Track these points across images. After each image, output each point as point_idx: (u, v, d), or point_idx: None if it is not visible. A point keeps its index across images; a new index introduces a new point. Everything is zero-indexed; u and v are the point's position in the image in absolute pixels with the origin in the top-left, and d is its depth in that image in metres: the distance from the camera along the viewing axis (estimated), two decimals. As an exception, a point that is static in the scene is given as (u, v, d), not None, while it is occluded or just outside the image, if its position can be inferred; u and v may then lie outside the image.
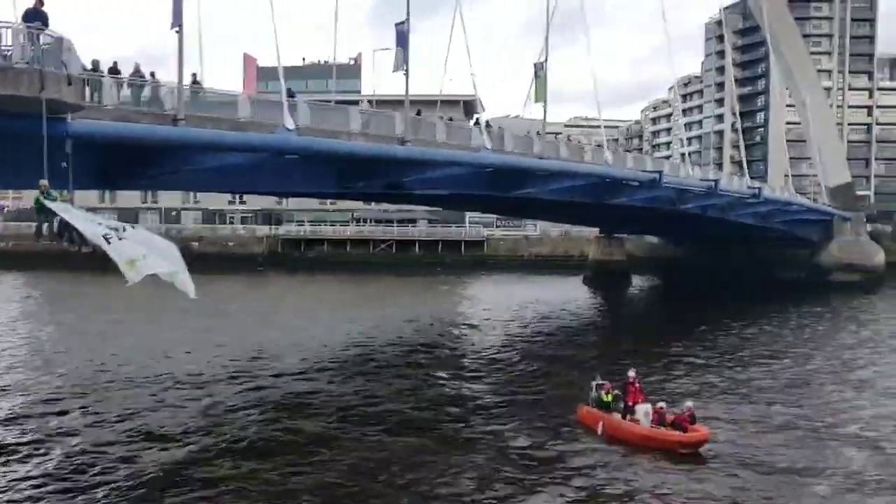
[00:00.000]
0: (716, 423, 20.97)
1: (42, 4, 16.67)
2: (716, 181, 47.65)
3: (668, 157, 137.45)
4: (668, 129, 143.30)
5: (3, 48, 15.64)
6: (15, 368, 29.16)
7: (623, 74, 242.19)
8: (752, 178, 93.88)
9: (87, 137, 17.30)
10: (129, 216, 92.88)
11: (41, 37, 16.09)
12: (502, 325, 43.03)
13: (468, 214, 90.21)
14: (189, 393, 24.67)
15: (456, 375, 28.14)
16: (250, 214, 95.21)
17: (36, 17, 16.30)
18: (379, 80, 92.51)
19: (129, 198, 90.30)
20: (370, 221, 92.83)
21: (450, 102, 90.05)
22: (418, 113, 34.18)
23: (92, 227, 16.51)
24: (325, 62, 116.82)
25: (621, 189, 41.15)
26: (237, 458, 18.11)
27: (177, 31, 22.04)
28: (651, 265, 77.35)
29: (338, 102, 34.32)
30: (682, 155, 68.74)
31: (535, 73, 37.15)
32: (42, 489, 16.16)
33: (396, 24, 30.41)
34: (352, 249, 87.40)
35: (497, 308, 51.68)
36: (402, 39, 30.24)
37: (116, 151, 21.52)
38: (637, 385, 20.86)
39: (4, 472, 17.15)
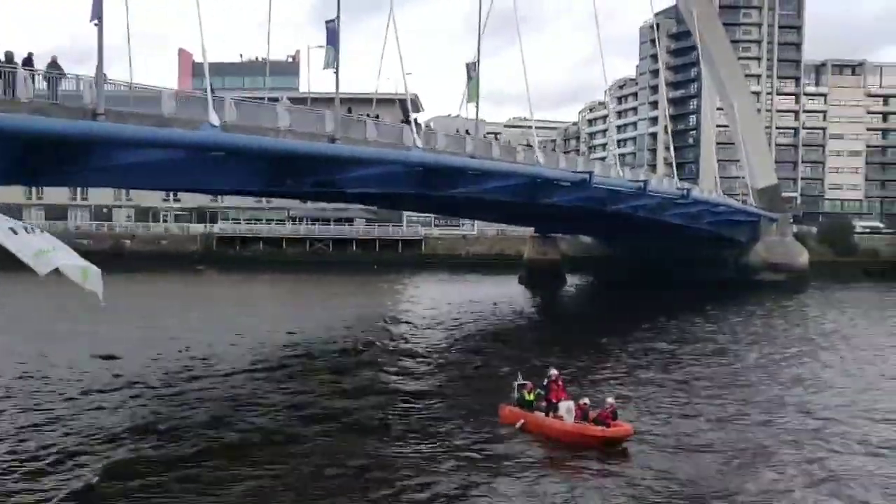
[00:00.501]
0: (640, 419, 21.42)
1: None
2: (645, 182, 48.66)
3: (603, 159, 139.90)
4: (605, 131, 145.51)
5: None
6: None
7: (563, 76, 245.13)
8: (683, 179, 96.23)
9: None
10: (58, 213, 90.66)
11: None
12: (435, 324, 43.18)
13: (406, 214, 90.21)
14: (116, 396, 24.14)
15: (383, 376, 28.10)
16: (185, 212, 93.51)
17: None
18: (317, 78, 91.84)
19: (58, 194, 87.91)
20: (307, 220, 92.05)
21: (387, 101, 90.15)
22: (349, 111, 34.15)
23: None
24: (262, 59, 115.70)
25: (553, 189, 41.69)
26: (166, 462, 17.71)
27: (96, 24, 21.63)
28: (586, 264, 78.44)
29: (273, 100, 33.95)
30: (615, 156, 70.10)
31: (468, 73, 37.38)
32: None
33: (327, 22, 30.33)
34: (288, 248, 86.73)
35: (431, 307, 51.92)
36: (333, 37, 30.17)
37: (36, 146, 21.01)
38: (560, 383, 20.95)
39: None
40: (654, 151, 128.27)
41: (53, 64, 21.71)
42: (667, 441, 19.82)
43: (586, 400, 20.28)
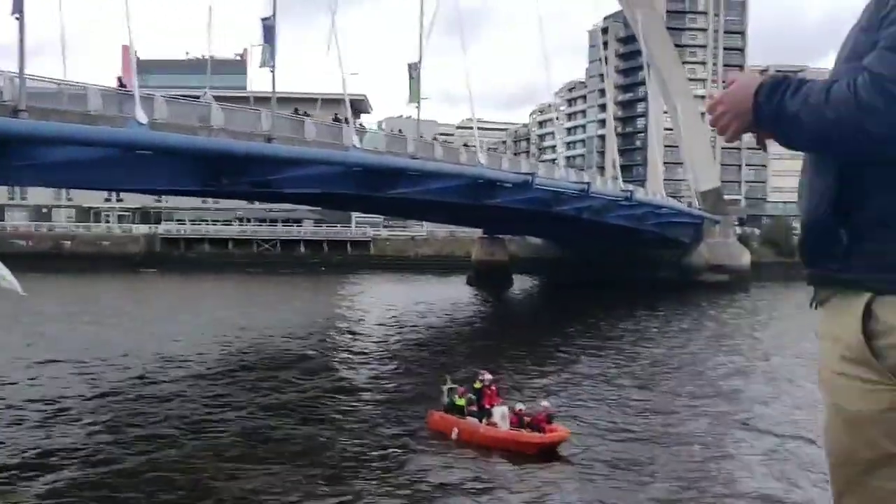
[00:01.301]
0: (576, 422, 21.00)
1: None
2: (588, 184, 49.06)
3: (553, 161, 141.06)
4: (553, 133, 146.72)
5: None
6: None
7: (517, 77, 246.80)
8: (631, 181, 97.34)
9: None
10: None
11: None
12: (376, 326, 42.84)
13: (355, 215, 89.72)
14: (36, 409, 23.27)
15: (313, 380, 27.36)
16: (127, 213, 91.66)
17: None
18: (264, 77, 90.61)
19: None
20: (253, 221, 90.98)
21: (333, 101, 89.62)
22: (296, 111, 33.81)
23: None
24: (210, 57, 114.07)
25: (496, 190, 41.74)
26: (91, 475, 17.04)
27: (17, 18, 21.02)
28: (534, 266, 78.92)
29: (219, 98, 33.29)
30: (565, 158, 70.60)
31: (410, 73, 37.22)
32: None
33: (263, 20, 29.93)
34: (235, 249, 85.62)
35: (375, 309, 51.69)
36: (269, 35, 29.78)
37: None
38: (493, 388, 20.39)
39: None
40: (603, 153, 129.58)
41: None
42: (603, 443, 19.53)
43: (521, 406, 19.79)
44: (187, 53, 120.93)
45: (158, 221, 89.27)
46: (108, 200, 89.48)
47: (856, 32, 1.99)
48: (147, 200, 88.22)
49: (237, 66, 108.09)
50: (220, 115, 27.21)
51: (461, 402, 19.96)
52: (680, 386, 26.77)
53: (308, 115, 33.42)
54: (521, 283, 73.77)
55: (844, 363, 1.96)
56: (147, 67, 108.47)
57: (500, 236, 73.56)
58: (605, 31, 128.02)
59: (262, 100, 61.21)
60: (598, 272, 67.72)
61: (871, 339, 1.91)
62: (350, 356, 32.80)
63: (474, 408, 19.85)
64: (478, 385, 20.39)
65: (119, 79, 50.15)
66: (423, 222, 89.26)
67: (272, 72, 29.65)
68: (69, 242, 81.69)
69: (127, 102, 24.54)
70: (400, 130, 38.86)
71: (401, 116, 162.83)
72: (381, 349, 34.88)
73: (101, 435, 20.17)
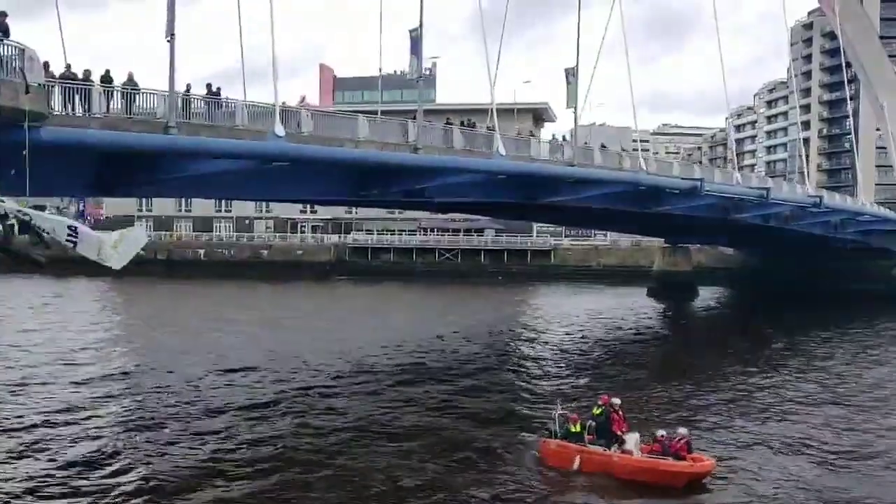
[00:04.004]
0: (722, 452, 19.36)
1: (4, 16, 17.15)
2: (768, 189, 45.54)
3: (752, 167, 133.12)
4: (753, 137, 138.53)
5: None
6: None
7: (717, 80, 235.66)
8: (840, 187, 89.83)
9: (46, 145, 17.62)
10: (207, 224, 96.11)
11: (1, 47, 16.54)
12: (545, 338, 42.36)
13: (536, 224, 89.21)
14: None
15: (457, 390, 27.63)
16: (321, 223, 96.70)
17: (-4, 28, 16.78)
18: (455, 90, 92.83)
19: (204, 207, 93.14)
20: (437, 231, 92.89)
21: (518, 111, 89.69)
22: (448, 121, 33.96)
23: (59, 227, 16.73)
24: (400, 73, 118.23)
25: (663, 197, 39.83)
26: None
27: (168, 41, 22.42)
28: (722, 276, 74.76)
29: (407, 112, 34.28)
30: (766, 164, 66.07)
31: (567, 79, 36.31)
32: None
33: (410, 31, 30.23)
34: (418, 258, 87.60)
35: (550, 320, 51.06)
36: (416, 47, 30.05)
37: (113, 159, 22.04)
38: (621, 412, 18.93)
39: None
40: (807, 157, 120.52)
41: (130, 80, 22.68)
42: (752, 477, 17.81)
43: (663, 432, 18.29)
44: (380, 70, 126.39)
45: (349, 231, 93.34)
46: (303, 212, 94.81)
47: None
48: (338, 212, 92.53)
49: (426, 81, 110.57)
50: (365, 127, 27.73)
51: (577, 429, 18.63)
52: (854, 418, 23.68)
53: (465, 125, 33.22)
54: (708, 295, 69.84)
55: None
56: (341, 85, 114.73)
57: (685, 245, 70.11)
58: (808, 26, 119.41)
59: (449, 111, 63.02)
60: (792, 283, 62.83)
61: None
62: (507, 369, 32.42)
63: (591, 436, 18.46)
64: (597, 411, 18.91)
65: (303, 97, 53.29)
66: (607, 232, 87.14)
67: (419, 82, 29.92)
68: (266, 252, 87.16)
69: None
70: (564, 137, 37.78)
71: (593, 124, 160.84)
72: (541, 364, 34.18)
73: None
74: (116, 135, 20.18)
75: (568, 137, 73.79)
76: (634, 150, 43.54)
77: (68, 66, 21.81)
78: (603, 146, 42.29)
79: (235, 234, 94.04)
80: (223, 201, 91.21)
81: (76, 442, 20.45)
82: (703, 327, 54.91)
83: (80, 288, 66.49)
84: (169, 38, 22.50)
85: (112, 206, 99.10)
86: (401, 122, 30.07)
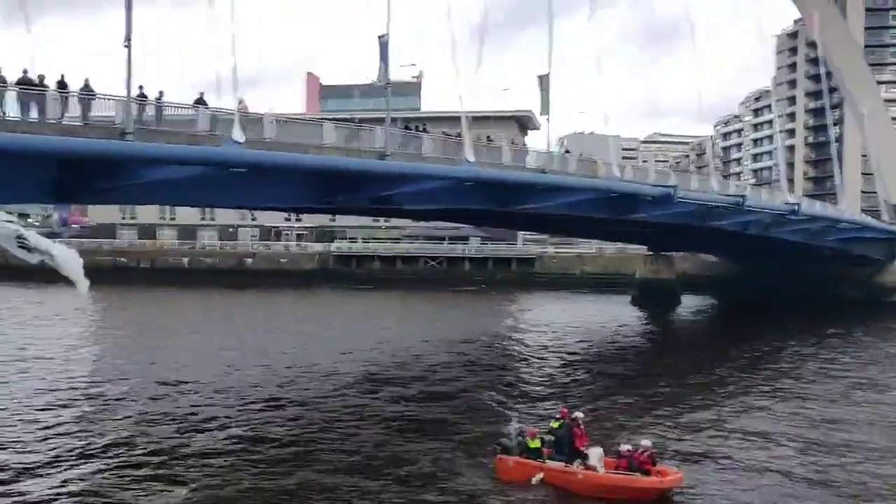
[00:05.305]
0: (687, 465, 18.96)
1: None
2: (743, 197, 45.51)
3: (738, 174, 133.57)
4: (740, 145, 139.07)
5: None
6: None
7: (703, 88, 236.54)
8: (825, 194, 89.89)
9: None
10: (189, 233, 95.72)
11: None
12: (524, 346, 42.25)
13: (521, 233, 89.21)
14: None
15: (431, 397, 27.52)
16: (305, 231, 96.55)
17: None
18: (440, 98, 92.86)
19: (189, 215, 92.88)
20: (421, 238, 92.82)
21: (502, 119, 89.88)
22: (418, 129, 33.93)
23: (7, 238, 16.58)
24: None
25: (636, 204, 39.74)
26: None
27: (126, 46, 22.29)
28: (706, 284, 74.68)
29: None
30: (752, 171, 66.19)
31: (540, 86, 36.30)
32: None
33: (379, 37, 30.18)
34: (403, 266, 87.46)
35: (531, 328, 51.05)
36: (384, 52, 29.99)
37: (71, 166, 21.82)
38: (582, 427, 18.48)
39: None
40: (792, 165, 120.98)
41: (86, 86, 22.53)
42: (716, 490, 17.53)
43: (628, 446, 17.76)
44: (367, 78, 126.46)
45: (333, 240, 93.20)
46: (287, 220, 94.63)
47: None
48: (323, 220, 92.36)
49: (412, 88, 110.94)
50: (331, 133, 27.62)
51: (535, 444, 18.16)
52: (855, 428, 23.24)
53: (426, 132, 33.14)
54: (691, 303, 69.81)
55: None
56: (326, 93, 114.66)
57: (668, 253, 70.05)
58: (793, 35, 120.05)
59: (435, 119, 63.03)
60: (773, 290, 62.88)
61: None
62: (477, 379, 31.99)
63: (550, 450, 18.01)
64: (556, 424, 18.44)
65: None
66: (590, 240, 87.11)
67: (386, 88, 29.91)
68: (250, 260, 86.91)
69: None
70: (566, 149, 37.69)
71: (581, 133, 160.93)
72: (513, 373, 34.05)
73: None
74: (68, 140, 20.01)
75: (556, 145, 74.44)
76: (625, 158, 43.53)
77: (25, 72, 21.70)
78: (574, 153, 42.16)
79: (220, 242, 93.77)
80: (207, 209, 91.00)
81: (31, 448, 20.28)
82: (682, 335, 54.88)
83: (62, 295, 66.16)
84: (126, 44, 22.36)
85: (96, 212, 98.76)
86: (369, 129, 29.93)
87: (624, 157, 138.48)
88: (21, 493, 17.00)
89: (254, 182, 25.86)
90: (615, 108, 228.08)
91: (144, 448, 20.62)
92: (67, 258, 15.53)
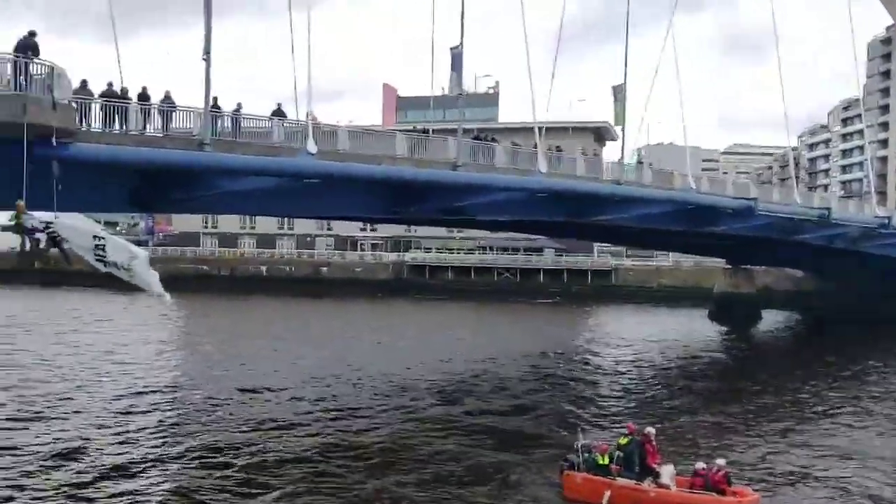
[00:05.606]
0: (763, 487, 18.32)
1: (34, 35, 17.70)
2: (828, 209, 43.81)
3: (826, 186, 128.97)
4: (827, 156, 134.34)
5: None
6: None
7: (790, 98, 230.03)
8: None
9: (76, 160, 18.07)
10: (268, 242, 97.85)
11: (30, 66, 17.05)
12: (598, 359, 41.59)
13: (596, 244, 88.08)
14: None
15: (497, 410, 27.27)
16: (380, 241, 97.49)
17: (27, 47, 17.32)
18: (517, 109, 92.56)
19: (268, 224, 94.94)
20: (496, 249, 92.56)
21: (578, 129, 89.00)
22: (486, 139, 33.80)
23: (85, 244, 16.91)
24: (465, 92, 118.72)
25: (715, 217, 38.74)
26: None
27: (204, 59, 22.84)
28: (789, 299, 72.18)
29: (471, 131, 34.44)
30: (840, 184, 63.92)
31: (615, 96, 35.78)
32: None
33: (451, 48, 30.22)
34: (476, 277, 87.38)
35: (605, 341, 50.31)
36: (457, 63, 30.01)
37: (147, 176, 22.50)
38: (654, 443, 17.97)
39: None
40: (884, 177, 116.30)
41: (167, 98, 23.16)
42: None
43: (702, 464, 17.30)
44: (442, 90, 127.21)
45: (407, 249, 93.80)
46: (363, 230, 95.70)
47: None
48: (398, 230, 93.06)
49: (489, 100, 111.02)
50: (403, 144, 27.77)
51: (604, 460, 17.68)
52: None
53: (493, 141, 32.96)
54: (773, 318, 67.53)
55: None
56: (403, 104, 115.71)
57: (748, 267, 67.97)
58: (887, 41, 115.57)
59: (512, 130, 62.84)
60: (864, 308, 60.08)
61: None
62: (552, 392, 31.81)
63: (619, 466, 17.47)
64: (624, 440, 17.97)
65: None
66: (668, 252, 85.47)
67: (459, 98, 29.94)
68: (326, 269, 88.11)
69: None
70: (640, 160, 37.20)
71: (660, 144, 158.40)
72: (589, 387, 33.48)
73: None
74: (147, 151, 20.59)
75: (632, 156, 73.10)
76: (704, 169, 42.53)
77: (109, 84, 22.42)
78: (651, 164, 41.39)
79: (297, 250, 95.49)
80: (285, 219, 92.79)
81: (116, 450, 20.94)
82: (762, 352, 53.02)
83: (146, 302, 68.34)
84: (205, 57, 22.92)
85: (180, 221, 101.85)
86: (443, 139, 29.98)
87: (703, 169, 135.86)
88: (110, 495, 17.53)
89: (323, 192, 26.24)
90: (694, 119, 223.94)
91: (227, 454, 21.10)
92: (144, 272, 15.63)
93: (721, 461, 17.47)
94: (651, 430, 18.35)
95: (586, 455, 17.88)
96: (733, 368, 42.84)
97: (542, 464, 20.09)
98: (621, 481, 17.22)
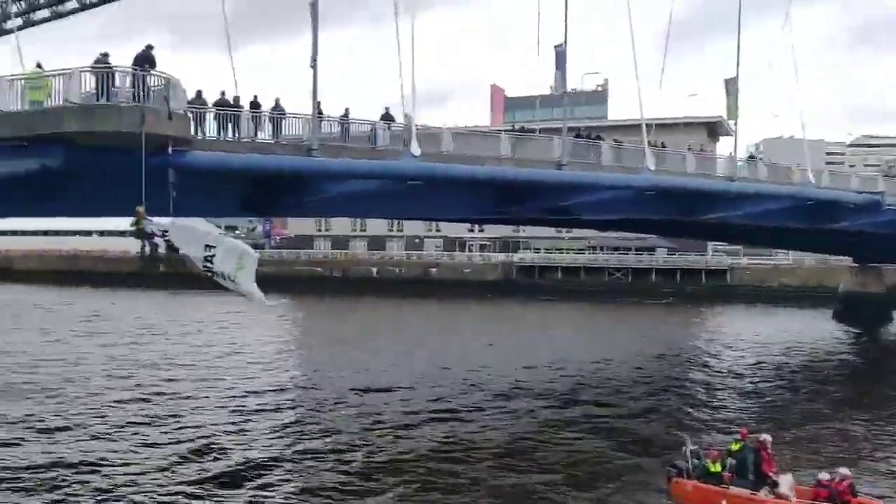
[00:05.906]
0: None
1: (151, 49, 18.56)
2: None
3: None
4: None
5: (114, 89, 17.58)
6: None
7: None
8: None
9: (191, 168, 18.84)
10: (379, 243, 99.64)
11: (148, 77, 17.90)
12: (714, 362, 40.17)
13: (711, 243, 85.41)
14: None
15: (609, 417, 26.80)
16: (488, 242, 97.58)
17: (145, 60, 18.19)
18: (627, 106, 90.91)
19: (378, 226, 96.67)
20: (606, 249, 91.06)
21: (690, 125, 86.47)
22: (590, 137, 33.28)
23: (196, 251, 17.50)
24: (572, 90, 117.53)
25: (838, 212, 36.83)
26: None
27: (312, 67, 23.43)
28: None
29: (576, 129, 34.24)
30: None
31: (727, 90, 34.52)
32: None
33: (555, 47, 29.91)
34: (586, 277, 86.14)
35: (722, 344, 48.47)
36: (561, 62, 29.69)
37: (260, 181, 23.28)
38: (770, 451, 17.13)
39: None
40: None
41: (276, 105, 23.88)
42: None
43: (826, 474, 16.39)
44: (550, 88, 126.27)
45: (516, 250, 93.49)
46: (471, 231, 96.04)
47: None
48: (506, 231, 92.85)
49: (598, 97, 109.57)
50: (507, 145, 27.68)
51: (716, 467, 16.92)
52: None
53: (599, 139, 32.36)
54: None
55: None
56: (510, 105, 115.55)
57: (876, 265, 64.36)
58: None
59: (622, 128, 61.76)
60: None
61: None
62: (668, 395, 31.05)
63: (731, 474, 16.71)
64: (736, 446, 17.17)
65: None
66: (788, 251, 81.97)
67: (563, 97, 29.58)
68: (435, 270, 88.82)
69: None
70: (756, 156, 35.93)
71: (778, 137, 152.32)
72: (706, 391, 32.39)
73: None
74: (257, 157, 21.27)
75: (750, 151, 70.35)
76: (829, 163, 40.59)
77: (222, 94, 23.31)
78: (769, 159, 39.69)
79: (406, 252, 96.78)
80: (395, 221, 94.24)
81: (239, 449, 21.75)
82: (894, 355, 50.10)
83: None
84: (312, 65, 23.51)
85: (295, 224, 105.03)
86: (548, 139, 29.72)
87: (828, 163, 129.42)
88: (234, 492, 18.24)
89: (426, 193, 26.46)
90: (816, 112, 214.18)
91: (343, 453, 21.62)
92: (247, 282, 16.05)
93: (845, 470, 16.50)
94: (767, 437, 17.43)
95: (696, 461, 17.19)
96: (861, 372, 40.62)
97: (650, 469, 19.64)
98: (735, 490, 16.45)
